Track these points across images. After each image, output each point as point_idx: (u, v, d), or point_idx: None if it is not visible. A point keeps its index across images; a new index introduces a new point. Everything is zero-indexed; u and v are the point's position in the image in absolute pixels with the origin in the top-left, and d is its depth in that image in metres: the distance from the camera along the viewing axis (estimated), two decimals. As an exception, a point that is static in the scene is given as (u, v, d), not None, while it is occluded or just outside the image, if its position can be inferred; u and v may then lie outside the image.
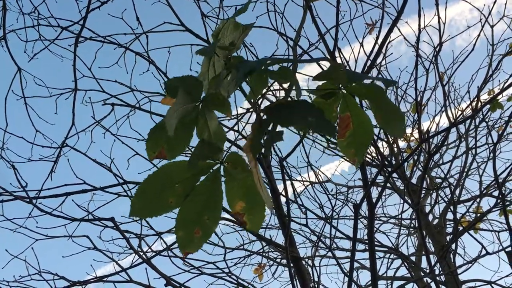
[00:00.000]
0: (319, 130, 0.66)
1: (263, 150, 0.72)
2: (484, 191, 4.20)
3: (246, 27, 0.86)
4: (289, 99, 0.79)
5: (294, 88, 0.74)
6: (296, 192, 3.06)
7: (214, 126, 0.82)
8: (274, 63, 0.76)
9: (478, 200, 4.25)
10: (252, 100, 0.83)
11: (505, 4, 3.67)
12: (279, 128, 0.72)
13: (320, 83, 0.87)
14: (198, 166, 0.78)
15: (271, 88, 2.74)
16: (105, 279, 2.64)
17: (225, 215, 2.41)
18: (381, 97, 0.83)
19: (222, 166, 0.81)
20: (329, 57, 2.02)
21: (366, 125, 0.89)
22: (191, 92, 0.77)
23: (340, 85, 0.86)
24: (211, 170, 0.80)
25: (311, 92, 0.87)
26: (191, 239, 0.79)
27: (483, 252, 2.73)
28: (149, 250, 2.76)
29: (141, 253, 2.56)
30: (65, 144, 2.96)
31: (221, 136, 0.82)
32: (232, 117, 3.37)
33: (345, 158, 4.47)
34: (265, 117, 0.72)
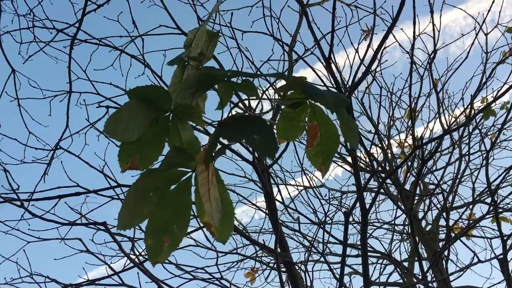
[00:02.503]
0: (259, 150, 0.67)
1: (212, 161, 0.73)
2: (477, 198, 4.22)
3: (214, 35, 0.87)
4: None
5: (257, 99, 0.75)
6: (288, 197, 3.07)
7: (187, 135, 0.82)
8: (235, 75, 0.77)
9: (471, 206, 4.28)
10: (221, 110, 0.84)
11: (499, 12, 3.70)
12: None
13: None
14: (170, 174, 0.78)
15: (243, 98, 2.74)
16: (97, 282, 2.63)
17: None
18: (340, 111, 0.84)
19: (194, 175, 0.80)
20: (324, 62, 2.03)
21: (332, 134, 0.90)
22: (158, 102, 0.78)
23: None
24: (183, 179, 0.80)
25: (279, 102, 0.89)
26: (161, 248, 0.78)
27: (475, 259, 2.74)
28: (141, 254, 2.75)
29: (133, 257, 2.55)
30: (58, 147, 2.94)
31: (195, 146, 0.82)
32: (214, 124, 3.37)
33: (337, 162, 4.49)
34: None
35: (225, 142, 0.75)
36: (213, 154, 0.72)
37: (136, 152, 0.82)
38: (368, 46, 2.15)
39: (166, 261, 2.75)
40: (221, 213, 0.74)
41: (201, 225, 2.81)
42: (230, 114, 0.79)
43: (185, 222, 0.80)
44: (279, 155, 2.29)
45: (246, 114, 0.76)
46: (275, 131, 0.92)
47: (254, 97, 0.79)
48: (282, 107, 0.89)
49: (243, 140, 0.70)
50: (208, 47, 0.85)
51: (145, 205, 0.77)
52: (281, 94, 0.86)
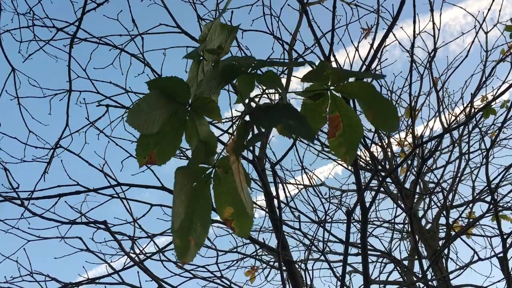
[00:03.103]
0: (297, 134, 0.67)
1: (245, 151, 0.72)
2: (477, 197, 4.22)
3: (233, 29, 0.86)
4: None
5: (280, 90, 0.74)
6: (289, 196, 3.07)
7: (204, 130, 0.81)
8: (261, 65, 0.76)
9: (470, 205, 4.27)
10: (242, 103, 0.83)
11: (499, 10, 3.70)
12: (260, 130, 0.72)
13: (309, 84, 0.87)
14: (193, 171, 0.77)
15: (266, 91, 2.74)
16: (97, 281, 2.63)
17: (218, 217, 2.41)
18: (371, 93, 0.84)
19: (214, 171, 0.80)
20: (323, 60, 2.02)
21: (356, 124, 0.89)
22: (178, 95, 0.77)
23: (329, 86, 0.86)
24: (204, 175, 0.80)
25: (300, 94, 0.88)
26: (188, 247, 0.77)
27: (475, 257, 2.74)
28: (142, 252, 2.75)
29: (133, 256, 2.55)
30: (58, 145, 2.94)
31: (212, 141, 0.81)
32: (227, 120, 3.37)
33: (338, 160, 4.48)
34: (248, 118, 0.72)
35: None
36: (245, 143, 0.71)
37: (154, 146, 0.81)
38: (371, 45, 2.15)
39: (165, 259, 2.75)
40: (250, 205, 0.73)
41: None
42: (250, 106, 0.77)
43: (207, 219, 0.79)
44: (283, 156, 2.28)
45: (273, 103, 0.75)
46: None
47: (277, 89, 0.77)
48: (303, 98, 0.88)
49: (278, 125, 0.69)
50: (227, 40, 0.85)
51: (181, 205, 0.76)
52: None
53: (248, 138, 0.72)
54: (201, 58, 0.84)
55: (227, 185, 0.79)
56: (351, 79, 0.87)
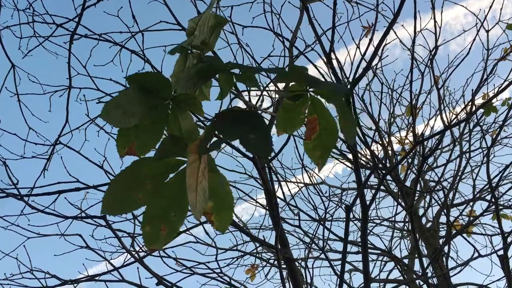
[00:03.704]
0: (252, 150, 0.67)
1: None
2: (477, 195, 4.21)
3: (217, 25, 0.86)
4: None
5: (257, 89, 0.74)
6: (289, 194, 3.06)
7: (187, 124, 0.82)
8: (235, 68, 0.77)
9: (471, 203, 4.27)
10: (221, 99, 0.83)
11: (501, 9, 3.69)
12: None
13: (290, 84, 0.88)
14: (167, 163, 0.78)
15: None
16: (97, 278, 2.63)
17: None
18: (339, 102, 0.84)
19: None
20: (325, 58, 2.02)
21: (332, 128, 0.90)
22: (158, 90, 0.77)
23: (308, 87, 0.86)
24: (181, 168, 0.80)
25: (279, 93, 0.88)
26: (158, 235, 0.79)
27: (476, 254, 2.74)
28: (141, 249, 2.75)
29: (133, 253, 2.55)
30: (58, 142, 2.94)
31: (194, 135, 0.82)
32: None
33: (338, 157, 4.48)
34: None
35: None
36: (208, 146, 0.71)
37: (134, 138, 0.81)
38: (369, 43, 2.14)
39: (166, 255, 2.75)
40: (219, 203, 0.73)
41: (202, 221, 2.81)
42: (229, 106, 0.78)
43: (183, 210, 0.80)
44: (278, 151, 2.28)
45: (245, 109, 0.75)
46: (274, 127, 0.92)
47: (255, 89, 0.78)
48: (283, 99, 0.89)
49: (238, 139, 0.69)
50: (211, 35, 0.85)
51: (138, 192, 0.77)
52: (284, 86, 0.86)
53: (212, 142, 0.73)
54: (189, 52, 0.84)
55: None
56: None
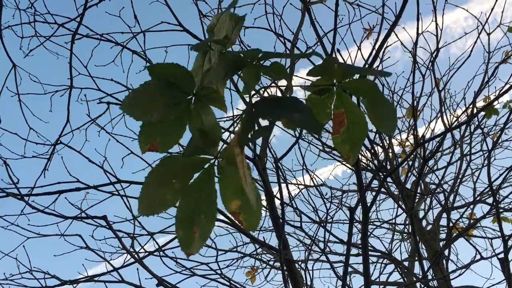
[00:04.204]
0: (304, 127, 0.65)
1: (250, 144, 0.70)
2: (478, 198, 4.21)
3: (240, 19, 0.84)
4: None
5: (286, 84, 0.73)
6: (290, 195, 3.06)
7: (209, 121, 0.80)
8: (267, 57, 0.74)
9: (471, 206, 4.27)
10: (248, 94, 0.81)
11: (502, 12, 3.69)
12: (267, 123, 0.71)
13: (315, 79, 0.86)
14: (192, 161, 0.76)
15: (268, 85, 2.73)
16: (96, 278, 2.63)
17: (218, 216, 2.40)
18: (374, 92, 0.83)
19: (217, 162, 0.78)
20: (329, 55, 2.01)
21: (360, 121, 0.88)
22: (181, 83, 0.75)
23: (335, 81, 0.85)
24: (205, 166, 0.78)
25: (305, 88, 0.87)
26: (192, 239, 0.76)
27: (477, 257, 2.73)
28: (141, 250, 2.75)
29: (133, 253, 2.55)
30: (59, 142, 2.94)
31: (216, 131, 0.80)
32: (228, 118, 3.36)
33: (340, 160, 4.47)
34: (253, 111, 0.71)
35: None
36: (250, 136, 0.69)
37: (157, 134, 0.79)
38: (375, 44, 2.14)
39: (165, 256, 2.75)
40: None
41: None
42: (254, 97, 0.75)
43: (212, 211, 0.77)
44: (285, 153, 2.27)
45: (278, 96, 0.73)
46: None
47: (283, 80, 0.75)
48: (308, 93, 0.87)
49: (284, 118, 0.68)
50: (233, 31, 0.83)
51: (168, 191, 0.75)
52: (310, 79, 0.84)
53: (253, 131, 0.71)
54: (208, 49, 0.83)
55: (231, 177, 0.78)
56: (356, 76, 0.86)
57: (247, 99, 0.73)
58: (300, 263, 3.13)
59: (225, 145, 0.79)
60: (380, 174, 3.60)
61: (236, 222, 0.79)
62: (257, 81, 0.78)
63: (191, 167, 0.77)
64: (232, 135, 2.75)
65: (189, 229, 0.76)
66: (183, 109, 0.78)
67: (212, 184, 0.78)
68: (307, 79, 0.86)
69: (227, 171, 0.78)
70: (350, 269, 4.20)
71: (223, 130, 2.86)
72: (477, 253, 2.72)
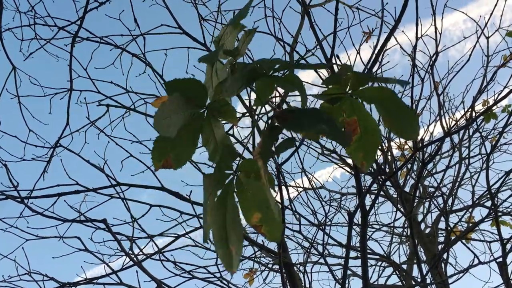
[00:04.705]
0: (332, 138, 0.66)
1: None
2: (477, 201, 4.21)
3: (249, 32, 0.84)
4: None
5: (300, 94, 0.72)
6: (289, 198, 3.06)
7: (220, 134, 0.79)
8: (284, 67, 0.74)
9: (470, 210, 4.27)
10: (258, 107, 0.81)
11: (501, 16, 3.70)
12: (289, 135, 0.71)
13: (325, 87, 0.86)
14: (216, 177, 0.75)
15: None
16: (95, 281, 2.62)
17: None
18: (391, 99, 0.82)
19: (235, 177, 0.77)
20: (326, 63, 2.02)
21: (373, 129, 0.88)
22: (195, 97, 0.75)
23: (347, 90, 0.85)
24: (226, 181, 0.77)
25: (318, 97, 0.86)
26: (231, 256, 0.75)
27: (476, 261, 2.73)
28: (141, 253, 2.75)
29: (132, 256, 2.55)
30: (58, 144, 2.94)
31: (229, 145, 0.79)
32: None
33: (337, 161, 4.48)
34: (276, 123, 0.71)
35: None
36: (275, 148, 0.69)
37: (170, 150, 0.79)
38: (375, 48, 2.14)
39: (165, 260, 2.75)
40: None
41: (198, 226, 2.81)
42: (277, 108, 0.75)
43: (239, 228, 0.76)
44: (287, 158, 2.27)
45: (299, 108, 0.73)
46: None
47: (297, 91, 0.75)
48: (321, 102, 0.87)
49: (310, 130, 0.68)
50: (244, 42, 0.83)
51: (208, 214, 0.74)
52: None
53: (277, 143, 0.71)
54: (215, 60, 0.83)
55: (251, 190, 0.77)
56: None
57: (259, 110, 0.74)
58: (299, 266, 3.14)
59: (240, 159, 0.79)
60: (379, 177, 3.60)
61: (261, 234, 0.78)
62: (271, 93, 0.78)
63: (215, 184, 0.76)
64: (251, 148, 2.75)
65: (227, 248, 0.75)
66: (195, 123, 0.78)
67: (233, 200, 0.77)
68: (319, 86, 0.86)
69: (246, 184, 0.77)
70: (349, 272, 4.21)
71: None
72: (475, 258, 2.73)
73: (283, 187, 2.97)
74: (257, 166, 0.74)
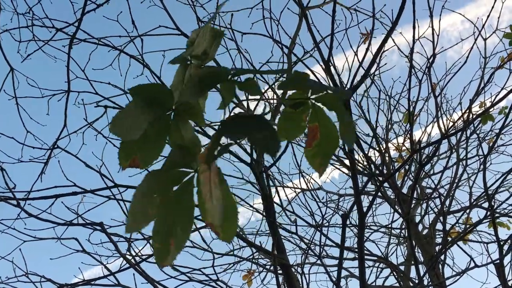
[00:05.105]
0: (260, 148, 0.67)
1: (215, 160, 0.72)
2: (474, 203, 4.22)
3: (217, 34, 0.86)
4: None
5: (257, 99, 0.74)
6: (285, 199, 3.07)
7: (188, 135, 0.81)
8: (239, 74, 0.77)
9: (467, 211, 4.28)
10: (223, 109, 0.83)
11: (498, 17, 3.71)
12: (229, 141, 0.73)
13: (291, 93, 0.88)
14: (172, 175, 0.77)
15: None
16: (93, 282, 2.62)
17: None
18: (339, 106, 0.85)
19: (196, 175, 0.79)
20: (324, 64, 2.03)
21: (333, 135, 0.90)
22: (161, 101, 0.77)
23: (309, 95, 0.87)
24: (185, 179, 0.79)
25: (282, 101, 0.88)
26: (168, 251, 0.77)
27: (472, 264, 2.74)
28: (138, 254, 2.75)
29: (129, 258, 2.55)
30: (56, 146, 2.94)
31: (196, 145, 0.81)
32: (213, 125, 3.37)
33: (336, 163, 4.48)
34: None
35: (226, 142, 0.75)
36: (215, 153, 0.71)
37: (137, 151, 0.81)
38: (367, 49, 2.15)
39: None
40: (224, 213, 0.73)
41: (198, 226, 2.81)
42: (232, 114, 0.78)
43: (188, 224, 0.78)
44: (278, 157, 2.28)
45: (249, 114, 0.76)
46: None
47: (257, 96, 0.78)
48: (283, 106, 0.89)
49: (245, 138, 0.70)
50: (212, 46, 0.85)
51: (150, 206, 0.76)
52: (283, 92, 0.86)
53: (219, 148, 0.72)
54: (188, 62, 0.84)
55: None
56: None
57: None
58: (296, 267, 3.14)
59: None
60: (377, 178, 3.61)
61: (214, 233, 0.80)
62: (232, 96, 0.80)
63: (171, 181, 0.77)
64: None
65: (166, 241, 0.77)
66: (162, 125, 0.80)
67: (191, 197, 0.79)
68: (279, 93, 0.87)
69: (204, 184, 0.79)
70: (346, 273, 4.21)
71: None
72: (472, 260, 2.73)
73: (277, 188, 2.99)
74: (216, 168, 0.76)
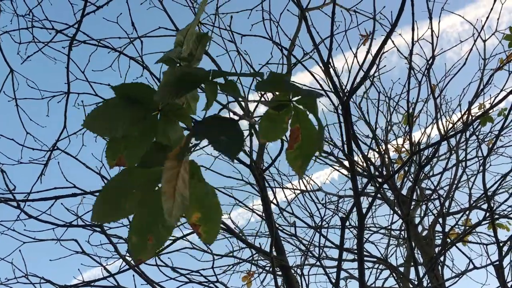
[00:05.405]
0: (219, 150, 0.68)
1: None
2: (474, 204, 4.22)
3: (203, 36, 0.87)
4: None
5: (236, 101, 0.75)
6: (285, 201, 3.07)
7: (176, 135, 0.82)
8: (218, 76, 0.77)
9: (467, 212, 4.28)
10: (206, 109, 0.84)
11: (497, 19, 3.72)
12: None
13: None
14: (155, 172, 0.77)
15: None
16: (92, 283, 2.62)
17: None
18: (314, 109, 0.86)
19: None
20: (323, 65, 2.03)
21: (312, 138, 0.91)
22: (145, 100, 0.78)
23: (291, 97, 0.87)
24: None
25: (263, 103, 0.89)
26: (144, 246, 0.78)
27: (471, 265, 2.74)
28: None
29: (129, 259, 2.55)
30: (55, 147, 2.94)
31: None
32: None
33: (336, 165, 4.49)
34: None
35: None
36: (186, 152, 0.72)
37: (123, 149, 0.82)
38: (368, 51, 2.16)
39: (162, 263, 2.75)
40: (206, 214, 0.73)
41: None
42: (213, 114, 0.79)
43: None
44: (274, 158, 2.28)
45: (223, 116, 0.76)
46: (258, 129, 0.93)
47: (238, 98, 0.79)
48: (266, 108, 0.90)
49: (209, 140, 0.70)
50: (198, 48, 0.86)
51: (127, 201, 0.76)
52: (265, 94, 0.87)
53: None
54: (178, 64, 0.85)
55: (192, 190, 0.78)
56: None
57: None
58: (296, 268, 3.14)
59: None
60: (376, 180, 3.61)
61: (196, 234, 0.80)
62: (214, 97, 0.81)
63: (154, 178, 0.77)
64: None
65: (143, 237, 0.77)
66: (149, 125, 0.81)
67: None
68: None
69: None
70: (346, 275, 4.22)
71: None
72: (471, 262, 2.73)
73: (281, 189, 2.98)
74: (198, 168, 0.77)
